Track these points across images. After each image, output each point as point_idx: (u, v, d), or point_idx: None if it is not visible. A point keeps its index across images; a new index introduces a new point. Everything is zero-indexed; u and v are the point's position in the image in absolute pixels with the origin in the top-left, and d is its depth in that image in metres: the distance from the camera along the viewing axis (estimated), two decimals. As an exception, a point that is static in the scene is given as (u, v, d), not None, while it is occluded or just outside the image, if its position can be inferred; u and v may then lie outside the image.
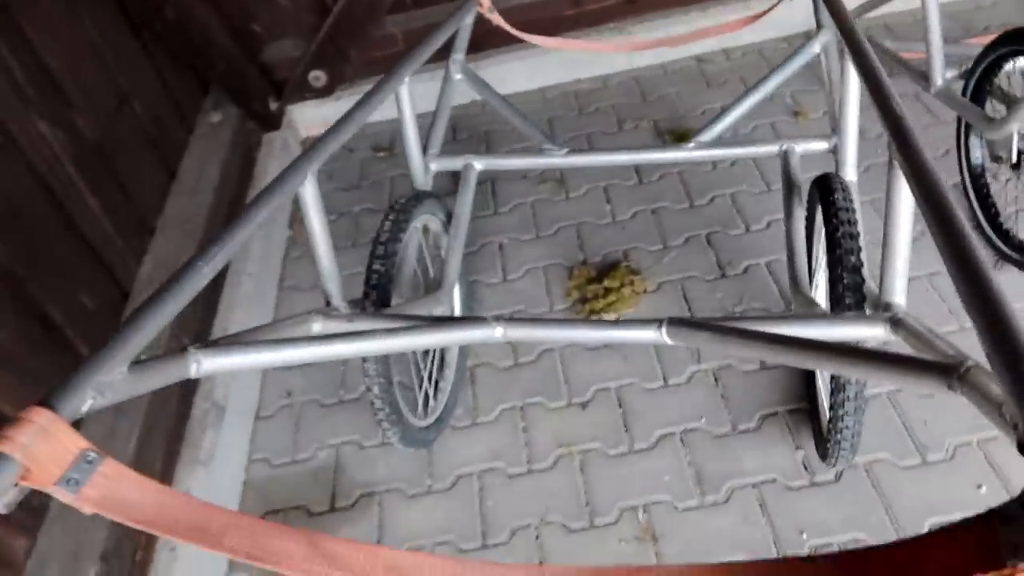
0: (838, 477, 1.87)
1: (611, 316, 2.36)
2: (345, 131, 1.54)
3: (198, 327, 2.33)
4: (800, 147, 1.96)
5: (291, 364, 1.25)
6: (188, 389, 2.18)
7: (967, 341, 0.87)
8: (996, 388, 0.80)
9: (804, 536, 1.78)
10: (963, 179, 2.36)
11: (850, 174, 1.82)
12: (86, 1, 2.37)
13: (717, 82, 3.21)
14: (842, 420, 1.61)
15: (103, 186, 2.22)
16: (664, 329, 1.30)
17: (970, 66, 2.22)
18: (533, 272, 2.57)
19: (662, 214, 2.68)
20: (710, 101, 3.14)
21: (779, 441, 1.97)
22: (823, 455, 1.84)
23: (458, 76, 2.24)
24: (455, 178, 2.26)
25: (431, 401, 2.09)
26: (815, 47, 2.02)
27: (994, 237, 2.24)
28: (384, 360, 1.76)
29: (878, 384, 1.98)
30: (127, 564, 1.80)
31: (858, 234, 1.57)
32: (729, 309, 2.31)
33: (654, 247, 2.56)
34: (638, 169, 2.86)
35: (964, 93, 2.25)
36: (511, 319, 1.40)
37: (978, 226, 2.30)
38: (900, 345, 1.20)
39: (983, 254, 0.84)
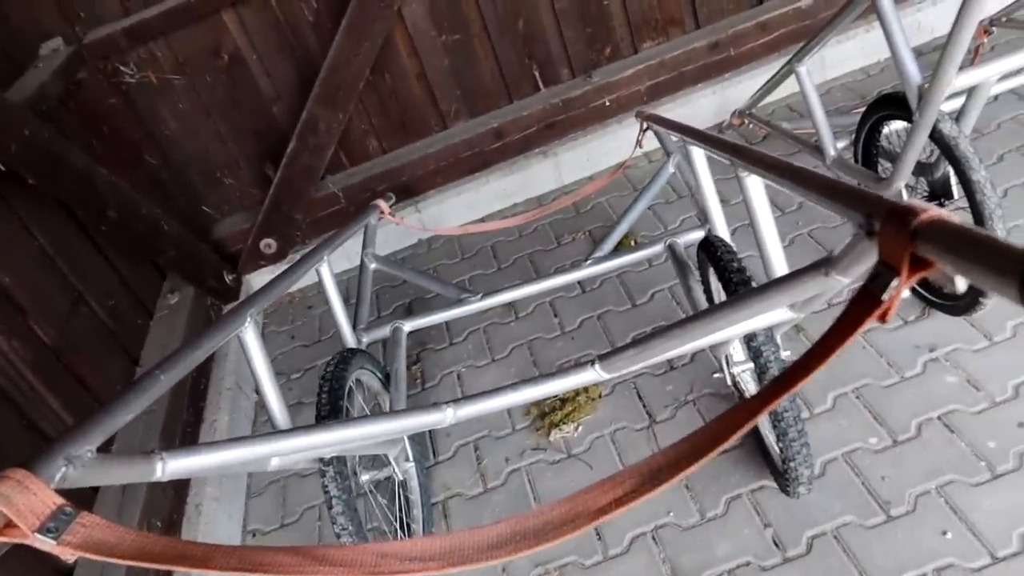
0: (809, 548, 1.87)
1: (571, 426, 2.41)
2: (277, 289, 1.79)
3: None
4: (682, 239, 2.32)
5: (254, 460, 1.31)
6: (163, 573, 2.18)
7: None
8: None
9: (785, 615, 1.77)
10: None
11: None
12: (35, 215, 2.54)
13: (643, 184, 3.38)
14: (790, 447, 1.74)
15: (62, 385, 2.30)
16: (598, 366, 1.35)
17: (855, 134, 2.39)
18: (492, 395, 2.63)
19: (607, 318, 2.77)
20: (640, 203, 3.29)
21: (747, 523, 1.97)
22: (785, 488, 1.92)
23: (373, 266, 2.69)
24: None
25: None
26: (669, 167, 2.48)
27: (916, 287, 2.33)
28: (353, 512, 1.78)
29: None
30: None
31: (745, 268, 1.78)
32: (682, 399, 2.36)
33: (604, 352, 2.63)
34: (579, 280, 2.97)
35: (856, 159, 2.41)
36: (458, 400, 1.44)
37: (900, 278, 2.40)
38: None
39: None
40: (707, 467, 2.14)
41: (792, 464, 1.76)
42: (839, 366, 2.26)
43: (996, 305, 2.09)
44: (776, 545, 1.90)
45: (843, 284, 0.91)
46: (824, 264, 0.92)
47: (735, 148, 1.54)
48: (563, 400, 2.47)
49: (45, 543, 0.77)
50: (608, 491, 0.81)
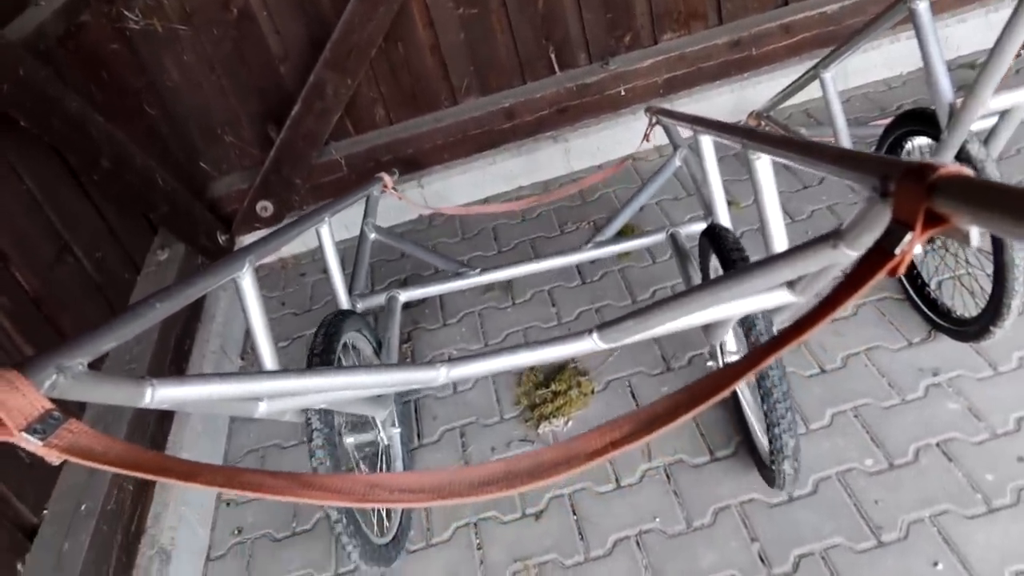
0: (795, 567, 1.83)
1: (561, 420, 2.35)
2: (276, 242, 1.74)
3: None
4: (684, 230, 2.36)
5: (243, 396, 1.29)
6: (131, 537, 2.12)
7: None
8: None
9: (766, 634, 1.73)
10: (888, 254, 2.43)
11: None
12: (26, 159, 2.44)
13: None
14: (779, 437, 1.71)
15: (41, 336, 2.22)
16: (596, 335, 1.33)
17: (875, 147, 2.32)
18: (482, 382, 2.57)
19: (606, 312, 2.71)
20: (647, 197, 3.23)
21: (734, 535, 1.93)
22: (771, 481, 1.90)
23: (372, 236, 2.66)
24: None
25: (386, 520, 2.07)
26: (676, 161, 2.48)
27: (924, 308, 2.29)
28: (336, 469, 1.76)
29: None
30: None
31: (748, 256, 1.78)
32: (676, 402, 2.31)
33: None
34: (580, 270, 2.92)
35: (875, 173, 2.34)
36: (454, 359, 1.43)
37: (909, 298, 2.35)
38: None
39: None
40: (696, 475, 2.10)
41: (776, 431, 1.71)
42: (840, 382, 2.21)
43: (1004, 335, 2.04)
44: (762, 560, 1.86)
45: (850, 258, 0.89)
46: (832, 236, 0.91)
47: (747, 131, 1.54)
48: (555, 393, 2.41)
49: (31, 443, 0.76)
50: (604, 435, 0.81)
